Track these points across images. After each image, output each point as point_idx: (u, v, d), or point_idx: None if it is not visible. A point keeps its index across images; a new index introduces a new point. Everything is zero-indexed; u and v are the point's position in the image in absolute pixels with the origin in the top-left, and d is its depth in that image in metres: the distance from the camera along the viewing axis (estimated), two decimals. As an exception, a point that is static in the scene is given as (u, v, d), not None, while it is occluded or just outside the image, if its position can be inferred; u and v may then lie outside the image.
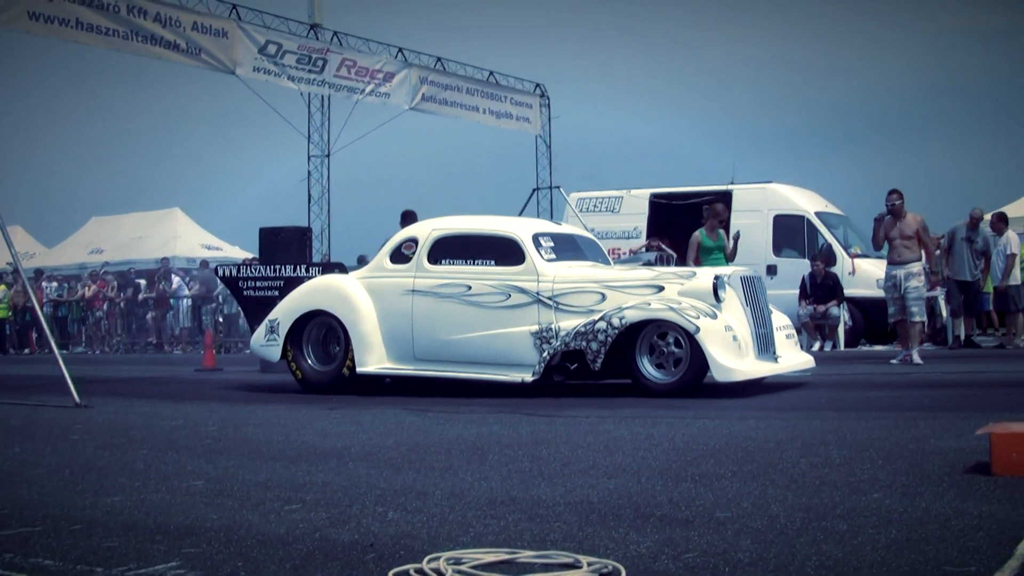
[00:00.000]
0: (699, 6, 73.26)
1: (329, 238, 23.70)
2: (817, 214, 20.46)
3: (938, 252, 17.63)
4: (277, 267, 13.04)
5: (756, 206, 20.57)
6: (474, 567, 3.64)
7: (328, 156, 23.70)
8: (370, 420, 8.63)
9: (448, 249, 10.95)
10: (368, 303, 11.15)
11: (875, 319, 18.48)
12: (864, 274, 19.23)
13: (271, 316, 11.75)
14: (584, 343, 10.09)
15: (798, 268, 19.25)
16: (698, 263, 13.88)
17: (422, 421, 8.55)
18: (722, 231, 14.88)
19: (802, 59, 66.90)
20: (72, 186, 64.15)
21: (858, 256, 19.73)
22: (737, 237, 15.22)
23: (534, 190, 25.95)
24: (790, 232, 20.47)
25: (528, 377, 10.33)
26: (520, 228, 11.05)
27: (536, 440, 7.00)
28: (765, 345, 10.34)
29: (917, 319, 13.96)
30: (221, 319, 26.91)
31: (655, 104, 70.94)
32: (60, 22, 16.81)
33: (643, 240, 21.02)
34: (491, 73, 25.77)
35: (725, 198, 19.25)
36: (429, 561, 3.71)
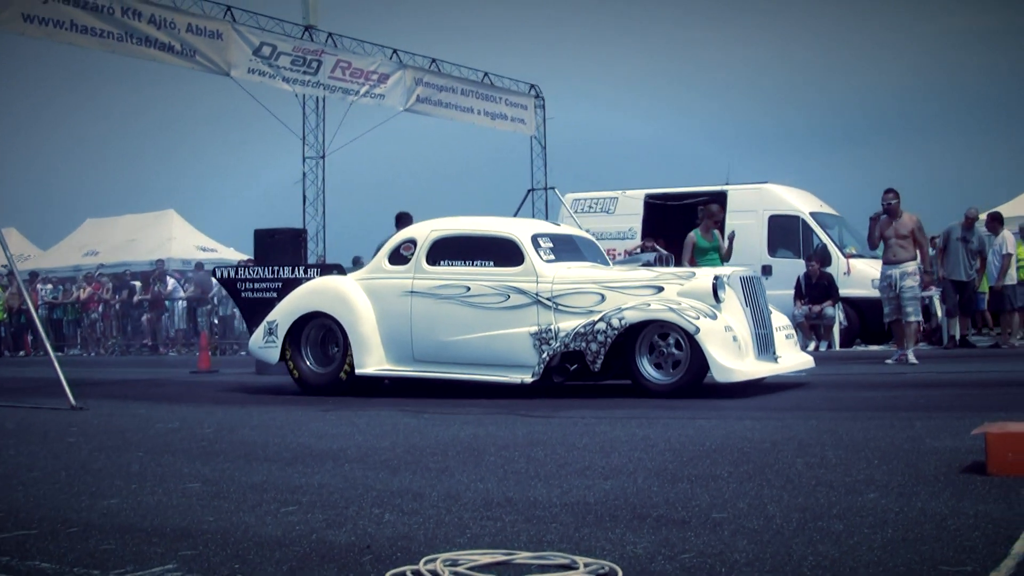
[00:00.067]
0: (694, 6, 73.32)
1: (324, 239, 23.74)
2: (812, 214, 20.49)
3: (933, 252, 17.65)
4: (275, 269, 13.05)
5: (751, 206, 20.59)
6: (471, 568, 3.64)
7: (323, 157, 23.72)
8: (366, 422, 8.62)
9: (447, 250, 10.94)
10: (367, 304, 11.14)
11: (870, 319, 18.49)
12: (859, 274, 19.26)
13: (269, 318, 11.73)
14: (584, 344, 10.08)
15: (793, 268, 19.27)
16: (693, 264, 13.88)
17: (418, 422, 8.55)
18: (717, 232, 14.88)
19: (797, 59, 66.99)
20: (67, 188, 64.05)
21: (853, 256, 19.77)
22: (732, 237, 15.23)
23: (529, 191, 25.99)
24: (785, 232, 20.50)
25: (528, 378, 10.32)
26: (519, 229, 11.04)
27: (532, 441, 7.00)
28: (765, 345, 10.34)
29: (913, 319, 13.96)
30: (216, 321, 26.91)
31: (650, 105, 70.95)
32: (54, 24, 16.82)
33: (638, 241, 21.05)
34: (486, 74, 25.79)
35: (720, 199, 19.27)
36: (426, 563, 3.71)
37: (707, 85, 69.02)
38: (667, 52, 72.66)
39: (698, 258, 14.22)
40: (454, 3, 73.18)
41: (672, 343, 9.88)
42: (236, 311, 24.84)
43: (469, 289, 10.66)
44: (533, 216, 24.30)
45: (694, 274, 10.39)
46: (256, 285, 13.12)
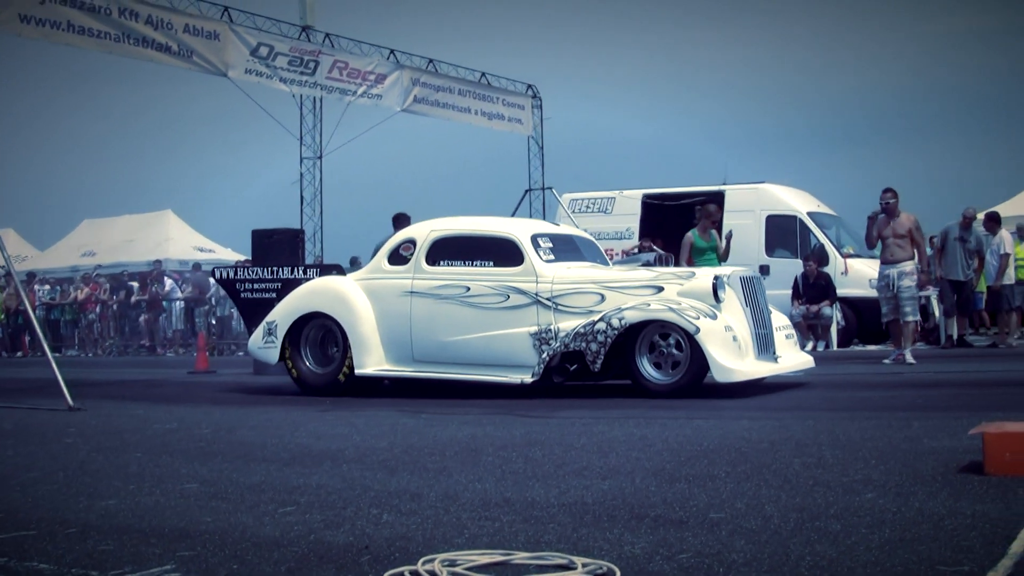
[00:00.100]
0: (691, 6, 73.32)
1: (322, 240, 23.73)
2: (810, 214, 20.49)
3: (931, 252, 17.67)
4: (274, 269, 13.03)
5: (749, 206, 20.59)
6: (469, 569, 3.64)
7: (320, 158, 23.71)
8: (364, 422, 8.62)
9: (446, 250, 10.93)
10: (366, 305, 11.13)
11: (868, 319, 18.49)
12: (857, 274, 19.27)
13: (269, 318, 11.72)
14: (583, 344, 10.08)
15: (791, 268, 19.26)
16: (691, 264, 13.89)
17: (416, 423, 8.55)
18: (715, 232, 14.89)
19: (795, 59, 66.99)
20: (64, 189, 64.03)
21: (851, 256, 19.77)
22: (729, 237, 15.23)
23: (526, 191, 25.98)
24: (783, 232, 20.50)
25: (527, 378, 10.32)
26: (519, 229, 11.03)
27: (530, 441, 7.00)
28: (765, 345, 10.33)
29: (911, 318, 13.96)
30: (214, 321, 26.89)
31: (647, 105, 70.94)
32: (52, 25, 16.81)
33: (636, 241, 21.05)
34: (483, 74, 25.79)
35: (718, 199, 19.29)
36: (424, 563, 3.71)
37: (705, 85, 69.03)
38: (664, 52, 72.64)
39: (696, 258, 14.23)
40: (451, 3, 73.18)
41: (672, 343, 9.87)
42: (234, 311, 24.86)
43: (469, 289, 10.65)
44: (530, 216, 24.30)
45: (694, 274, 10.38)
46: (255, 285, 13.10)
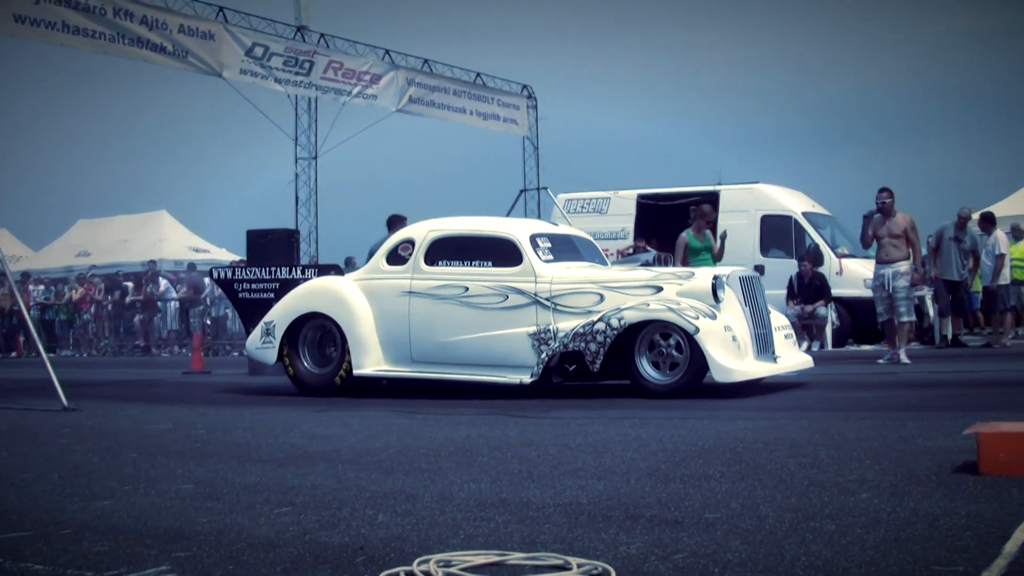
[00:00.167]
0: (686, 7, 73.35)
1: (317, 240, 23.74)
2: (804, 214, 20.52)
3: (925, 251, 17.69)
4: (272, 269, 13.03)
5: (743, 206, 20.62)
6: (464, 569, 3.65)
7: (315, 158, 23.71)
8: (359, 422, 8.62)
9: (445, 250, 10.92)
10: (365, 305, 11.12)
11: (862, 319, 18.53)
12: (851, 274, 19.30)
13: (267, 319, 11.70)
14: (583, 344, 10.07)
15: (785, 268, 19.29)
16: (685, 264, 13.89)
17: (411, 423, 8.55)
18: (709, 232, 14.90)
19: (790, 59, 67.03)
20: (59, 189, 64.00)
21: (845, 256, 19.80)
22: (724, 237, 15.23)
23: (521, 191, 25.98)
24: (777, 232, 20.53)
25: (526, 379, 10.31)
26: (517, 229, 11.02)
27: (525, 442, 7.00)
28: (764, 345, 10.33)
29: (905, 318, 13.98)
30: (209, 322, 26.90)
31: (642, 105, 71.02)
32: (46, 25, 16.80)
33: (631, 241, 21.06)
34: (478, 75, 25.80)
35: (712, 199, 19.31)
36: (419, 563, 3.71)
37: (700, 85, 69.06)
38: (659, 52, 72.69)
39: (690, 258, 14.22)
40: (446, 4, 73.20)
41: (672, 344, 9.87)
42: (229, 312, 24.89)
43: (467, 289, 10.64)
44: (525, 216, 24.30)
45: (693, 274, 10.37)
46: (253, 286, 13.10)
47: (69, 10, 17.03)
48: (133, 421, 9.40)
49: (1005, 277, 17.89)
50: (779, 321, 11.08)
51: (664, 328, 9.88)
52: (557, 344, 10.21)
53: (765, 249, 20.36)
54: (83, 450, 7.27)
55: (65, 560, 4.00)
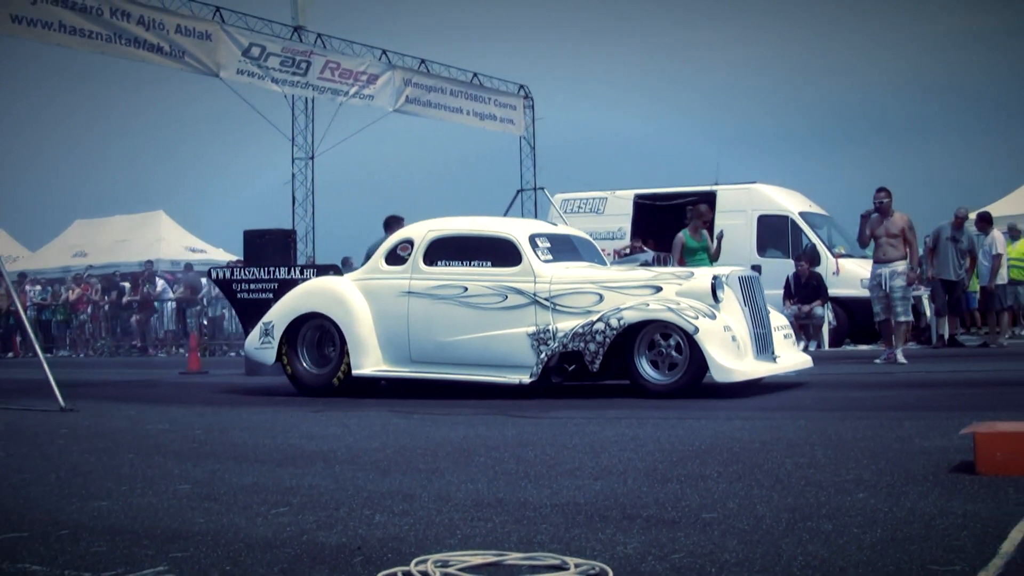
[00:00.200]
0: (684, 6, 73.37)
1: (313, 240, 23.75)
2: (801, 214, 20.54)
3: (923, 251, 17.71)
4: (271, 269, 13.03)
5: (740, 206, 20.65)
6: (461, 569, 3.65)
7: (312, 158, 23.72)
8: (356, 422, 8.62)
9: (444, 250, 10.91)
10: (364, 305, 11.11)
11: (859, 319, 18.55)
12: (848, 274, 19.32)
13: (266, 319, 11.69)
14: (582, 344, 10.07)
15: (782, 268, 19.31)
16: (682, 264, 13.90)
17: (408, 423, 8.55)
18: (705, 232, 14.91)
19: (786, 60, 67.08)
20: (56, 189, 63.99)
21: (842, 256, 19.83)
22: (720, 237, 15.25)
23: (518, 191, 26.03)
24: (774, 232, 20.56)
25: (526, 379, 10.30)
26: (516, 229, 11.02)
27: (522, 442, 7.00)
28: (763, 345, 10.33)
29: (903, 318, 13.99)
30: (206, 322, 26.90)
31: (639, 105, 71.03)
32: (43, 25, 16.80)
33: (627, 241, 21.07)
34: (475, 74, 25.79)
35: (709, 199, 19.32)
36: (417, 564, 3.71)
37: (697, 85, 69.14)
38: (656, 52, 72.71)
39: (687, 258, 14.23)
40: (443, 4, 73.22)
41: (672, 344, 9.85)
42: (226, 312, 24.90)
43: (467, 289, 10.63)
44: (522, 216, 24.32)
45: (692, 274, 10.37)
46: (252, 286, 13.10)
47: (66, 10, 17.02)
48: (130, 421, 9.39)
49: (1002, 277, 17.91)
50: (778, 321, 11.08)
51: (664, 328, 9.87)
52: (556, 344, 10.21)
53: (762, 249, 20.39)
54: (80, 450, 7.27)
55: (63, 561, 4.00)
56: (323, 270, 12.81)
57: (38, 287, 31.22)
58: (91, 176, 65.01)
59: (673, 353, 9.86)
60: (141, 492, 5.42)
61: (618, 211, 22.15)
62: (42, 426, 8.95)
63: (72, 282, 29.98)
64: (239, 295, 13.26)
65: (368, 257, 12.02)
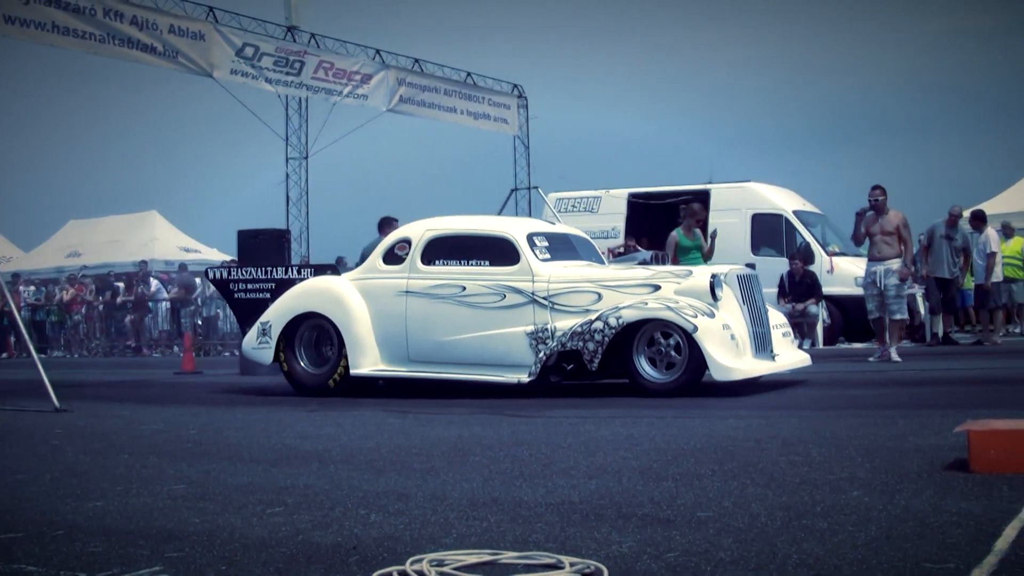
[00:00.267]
0: (679, 6, 73.39)
1: (308, 240, 23.78)
2: (795, 213, 20.56)
3: (917, 249, 17.73)
4: (268, 269, 13.00)
5: (734, 205, 20.66)
6: (457, 568, 3.65)
7: (306, 158, 23.73)
8: (351, 422, 8.62)
9: (442, 249, 10.89)
10: (361, 305, 11.09)
11: (853, 317, 18.57)
12: (842, 272, 19.35)
13: (263, 319, 11.66)
14: (581, 343, 10.06)
15: (776, 267, 19.31)
16: (676, 263, 13.91)
17: (403, 423, 8.55)
18: (699, 231, 14.92)
19: (782, 58, 67.11)
20: (49, 189, 63.95)
21: (836, 254, 19.84)
22: (714, 236, 15.26)
23: (512, 190, 25.99)
24: (768, 231, 20.57)
25: (524, 378, 10.29)
26: (514, 228, 11.00)
27: (517, 441, 7.01)
28: (762, 344, 10.33)
29: (898, 316, 13.99)
30: (200, 322, 26.87)
31: (633, 104, 71.05)
32: (36, 25, 16.80)
33: (621, 240, 21.08)
34: (469, 74, 25.81)
35: (703, 197, 19.36)
36: (412, 563, 3.71)
37: (691, 84, 69.16)
38: (651, 51, 72.74)
39: (681, 257, 14.25)
40: (437, 3, 73.18)
41: (671, 343, 9.85)
42: (220, 312, 24.88)
43: (465, 289, 10.62)
44: (516, 215, 24.33)
45: (691, 272, 10.36)
46: (249, 286, 13.07)
47: (59, 11, 17.03)
48: (125, 422, 9.38)
49: (997, 275, 17.94)
50: (777, 319, 11.09)
51: (662, 327, 9.87)
52: (555, 343, 10.20)
53: (756, 247, 20.40)
54: (75, 451, 7.27)
55: (58, 561, 4.00)
56: (320, 270, 12.79)
57: (32, 288, 31.18)
58: (85, 176, 64.99)
59: (672, 352, 9.85)
60: (136, 492, 5.42)
61: (612, 210, 22.15)
62: (37, 427, 8.94)
63: (66, 282, 29.95)
64: (236, 295, 13.23)
65: (363, 259, 12.00)
